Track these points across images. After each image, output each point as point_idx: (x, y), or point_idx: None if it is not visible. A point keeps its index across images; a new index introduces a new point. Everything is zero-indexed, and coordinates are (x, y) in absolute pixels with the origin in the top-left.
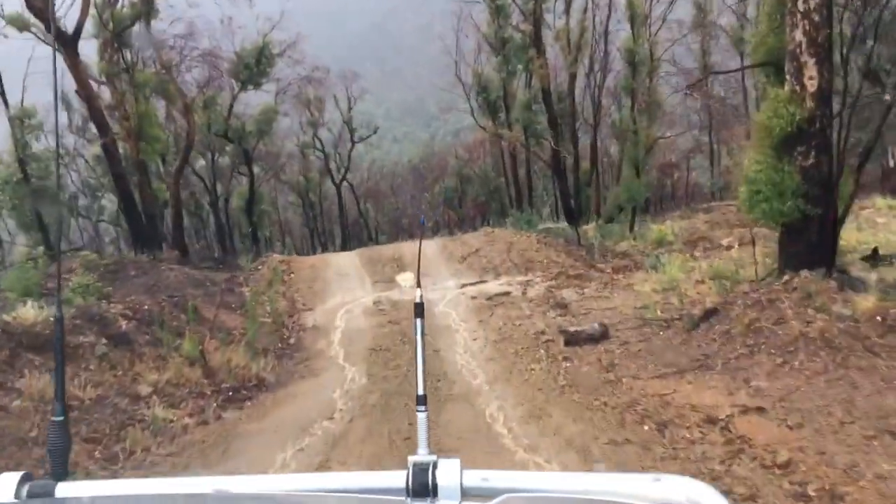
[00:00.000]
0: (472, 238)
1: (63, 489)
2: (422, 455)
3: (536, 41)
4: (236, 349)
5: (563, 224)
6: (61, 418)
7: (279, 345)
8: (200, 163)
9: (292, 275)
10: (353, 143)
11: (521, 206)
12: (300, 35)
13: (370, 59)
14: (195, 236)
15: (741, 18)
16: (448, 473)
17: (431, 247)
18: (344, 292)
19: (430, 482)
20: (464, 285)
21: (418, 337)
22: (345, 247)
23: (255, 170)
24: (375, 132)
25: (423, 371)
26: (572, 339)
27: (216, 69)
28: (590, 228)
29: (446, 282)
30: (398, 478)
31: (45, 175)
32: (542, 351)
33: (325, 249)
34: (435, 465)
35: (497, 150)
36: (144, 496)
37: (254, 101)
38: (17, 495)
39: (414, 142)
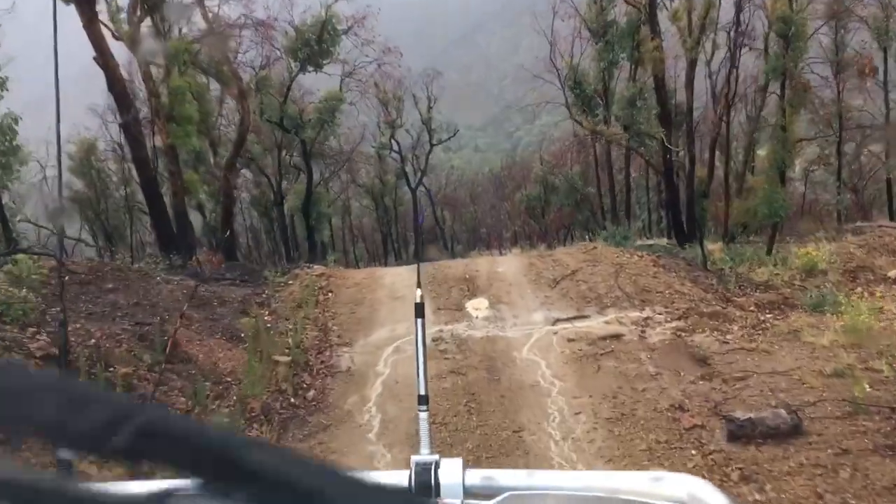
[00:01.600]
0: (567, 255)
1: None
2: (424, 454)
3: (651, 18)
4: (217, 411)
5: (665, 241)
6: None
7: (292, 399)
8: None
9: (331, 294)
10: (432, 145)
11: (616, 219)
12: (370, 10)
13: (455, 70)
14: (265, 240)
15: (888, 8)
16: (450, 472)
17: (513, 264)
18: (395, 322)
19: (432, 481)
20: (557, 321)
21: (419, 337)
22: (417, 254)
23: (316, 168)
24: (455, 134)
25: (425, 371)
26: (742, 433)
27: (270, 43)
28: (715, 249)
29: (533, 315)
30: (401, 477)
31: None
32: (694, 451)
33: (398, 257)
34: (437, 465)
35: (586, 157)
36: (145, 496)
37: (315, 86)
38: None
39: (497, 153)
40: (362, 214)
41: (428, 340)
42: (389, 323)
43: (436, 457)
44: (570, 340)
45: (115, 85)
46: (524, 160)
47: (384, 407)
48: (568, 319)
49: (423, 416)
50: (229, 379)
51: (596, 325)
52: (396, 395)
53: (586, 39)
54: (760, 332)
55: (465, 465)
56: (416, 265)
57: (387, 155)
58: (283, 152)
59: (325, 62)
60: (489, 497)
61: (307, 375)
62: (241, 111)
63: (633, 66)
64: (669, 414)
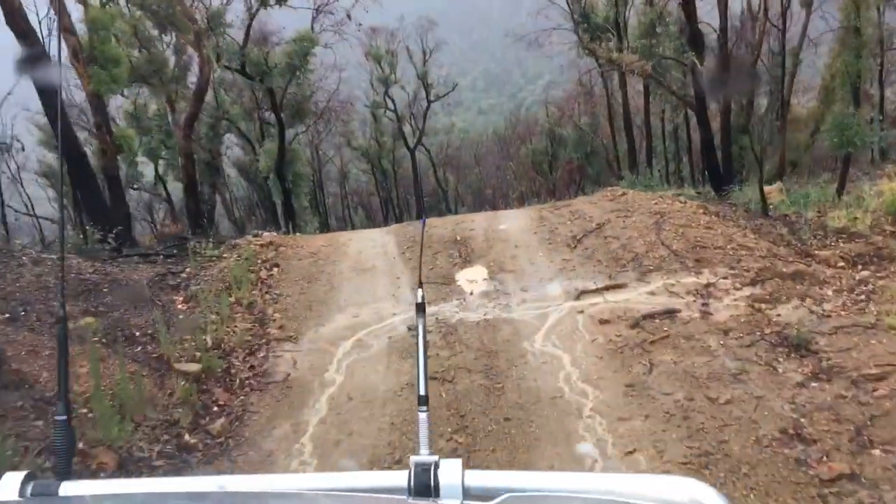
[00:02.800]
0: (589, 205)
1: (66, 488)
2: (423, 455)
3: None
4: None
5: (692, 191)
6: (64, 417)
7: (186, 437)
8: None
9: (276, 269)
10: (430, 102)
11: (636, 168)
12: None
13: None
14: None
15: None
16: (450, 473)
17: (520, 220)
18: (360, 305)
19: (431, 482)
20: (582, 294)
21: (419, 337)
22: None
23: (289, 123)
24: (454, 89)
25: (425, 371)
26: None
27: None
28: (770, 192)
29: (548, 286)
30: (400, 478)
31: None
32: None
33: (399, 220)
34: (437, 465)
35: (593, 107)
36: (146, 495)
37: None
38: (21, 494)
39: (500, 113)
40: (360, 178)
41: (402, 329)
42: (352, 306)
43: (435, 457)
44: (602, 322)
45: (14, 16)
46: (528, 119)
47: (324, 445)
48: (597, 291)
49: (423, 416)
50: (84, 410)
51: (637, 297)
52: (346, 421)
53: None
54: (864, 296)
55: (465, 466)
56: (393, 227)
57: (382, 115)
58: (262, 110)
59: None
60: (489, 499)
61: (222, 391)
62: (199, 60)
63: None
64: (786, 450)
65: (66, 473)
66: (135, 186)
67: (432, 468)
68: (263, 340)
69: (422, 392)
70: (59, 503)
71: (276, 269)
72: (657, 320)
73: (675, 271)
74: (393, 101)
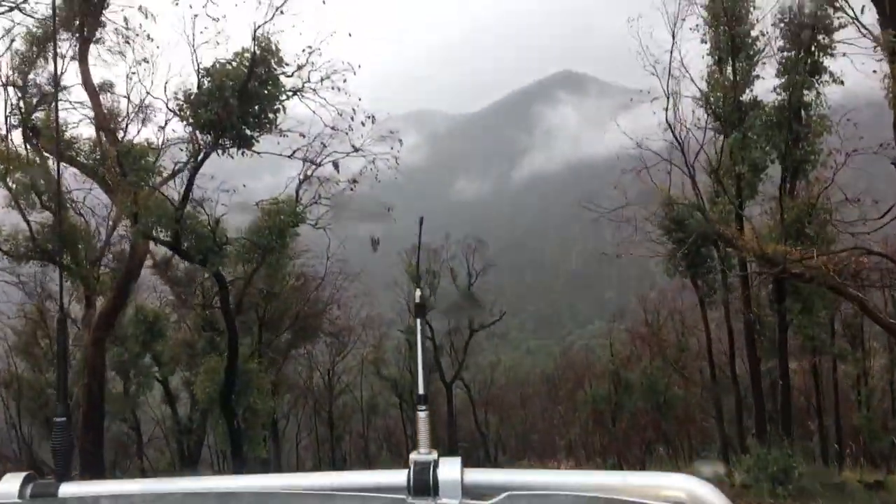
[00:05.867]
0: None
1: (66, 489)
2: (423, 453)
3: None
4: None
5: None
6: (64, 419)
7: None
8: None
9: None
10: (472, 331)
11: (765, 436)
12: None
13: (508, 273)
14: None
15: None
16: (449, 471)
17: None
18: None
19: (430, 480)
20: None
21: (418, 337)
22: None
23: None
24: (501, 318)
25: (424, 371)
26: None
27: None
28: None
29: None
30: (399, 476)
31: None
32: None
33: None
34: (436, 464)
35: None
36: (146, 495)
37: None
38: (20, 495)
39: (549, 355)
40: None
41: None
42: None
43: (434, 455)
44: None
45: None
46: (580, 360)
47: None
48: None
49: (423, 415)
50: None
51: None
52: None
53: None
54: None
55: (464, 465)
56: None
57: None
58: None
59: (258, 132)
60: (488, 497)
61: None
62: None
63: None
64: None
65: (66, 474)
66: None
67: (431, 466)
68: None
69: (421, 391)
70: None
71: None
72: None
73: None
74: (431, 326)
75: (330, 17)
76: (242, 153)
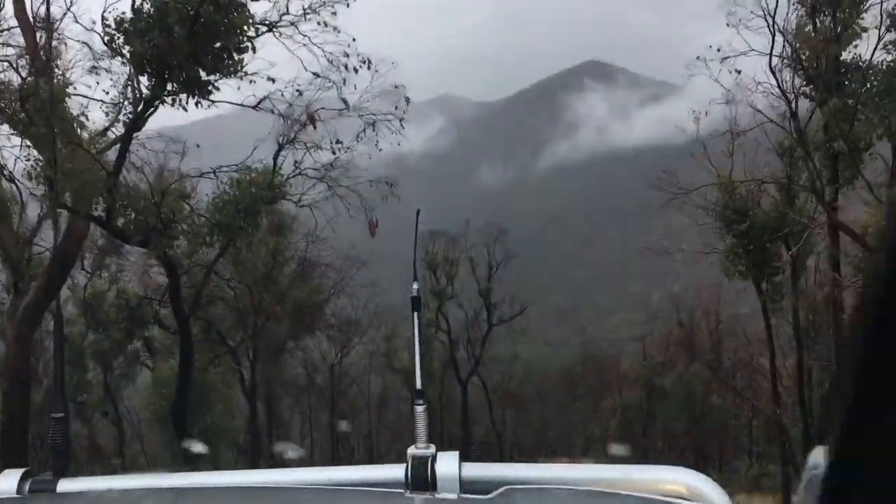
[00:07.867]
0: None
1: (64, 485)
2: (421, 448)
3: None
4: None
5: None
6: (62, 415)
7: None
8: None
9: None
10: (491, 324)
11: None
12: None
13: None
14: None
15: None
16: (447, 466)
17: None
18: None
19: (429, 475)
20: None
21: (416, 331)
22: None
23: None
24: (522, 312)
25: (422, 366)
26: None
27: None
28: None
29: None
30: (398, 471)
31: None
32: None
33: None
34: (434, 458)
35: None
36: (143, 491)
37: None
38: (19, 491)
39: (568, 347)
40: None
41: None
42: None
43: (432, 450)
44: None
45: None
46: (601, 355)
47: None
48: None
49: (420, 409)
50: None
51: None
52: None
53: None
54: None
55: (462, 459)
56: None
57: (433, 334)
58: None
59: (216, 75)
60: (486, 491)
61: None
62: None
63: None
64: None
65: (64, 470)
66: None
67: (429, 461)
68: None
69: (419, 386)
70: (56, 499)
71: None
72: None
73: None
74: (447, 319)
75: None
76: (198, 104)
